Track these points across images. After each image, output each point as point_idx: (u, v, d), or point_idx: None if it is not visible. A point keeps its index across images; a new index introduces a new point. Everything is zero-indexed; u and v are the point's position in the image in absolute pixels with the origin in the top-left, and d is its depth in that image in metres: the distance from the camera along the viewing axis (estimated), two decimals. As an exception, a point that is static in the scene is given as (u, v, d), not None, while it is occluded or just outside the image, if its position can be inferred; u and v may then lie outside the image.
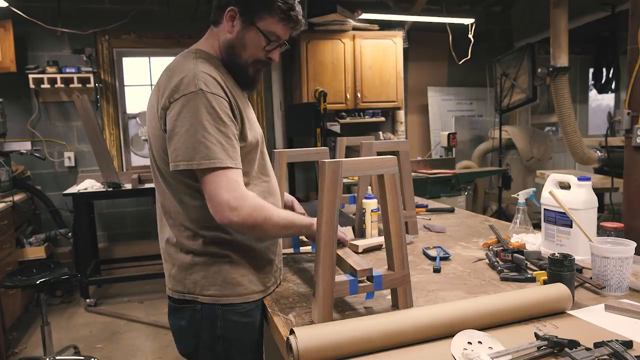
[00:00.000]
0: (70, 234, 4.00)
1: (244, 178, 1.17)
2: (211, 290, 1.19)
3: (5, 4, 3.51)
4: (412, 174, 2.41)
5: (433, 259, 1.55)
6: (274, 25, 1.20)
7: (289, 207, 1.58)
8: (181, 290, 1.22)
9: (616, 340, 0.92)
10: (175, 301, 1.25)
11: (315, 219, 1.10)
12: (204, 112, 1.08)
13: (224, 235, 1.20)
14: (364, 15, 4.37)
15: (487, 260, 1.52)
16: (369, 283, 1.11)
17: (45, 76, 4.04)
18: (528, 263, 1.43)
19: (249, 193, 1.13)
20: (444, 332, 1.00)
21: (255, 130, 1.24)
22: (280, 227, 1.18)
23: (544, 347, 0.93)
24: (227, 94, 1.14)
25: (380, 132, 5.00)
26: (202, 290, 1.20)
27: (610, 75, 5.58)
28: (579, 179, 1.49)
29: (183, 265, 1.21)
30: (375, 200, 1.76)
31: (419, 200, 2.58)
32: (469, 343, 0.96)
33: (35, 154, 3.83)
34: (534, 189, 1.76)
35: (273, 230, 1.17)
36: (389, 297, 1.20)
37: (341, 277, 1.09)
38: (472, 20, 4.58)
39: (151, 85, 4.73)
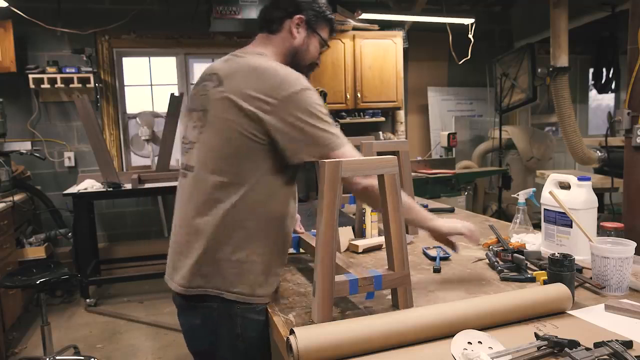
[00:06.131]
0: (70, 234, 4.00)
1: (290, 184, 1.25)
2: (239, 287, 1.19)
3: (5, 4, 3.51)
4: (412, 174, 2.41)
5: (433, 259, 1.56)
6: (326, 32, 1.39)
7: None
8: (202, 285, 1.20)
9: (616, 340, 0.92)
10: (189, 299, 1.23)
11: (434, 218, 1.30)
12: (315, 105, 1.17)
13: (263, 232, 1.21)
14: (364, 15, 4.37)
15: (487, 260, 1.52)
16: (369, 283, 1.11)
17: (45, 76, 4.04)
18: (528, 263, 1.43)
19: None
20: (444, 332, 1.00)
21: None
22: (406, 207, 1.22)
23: (544, 347, 0.93)
24: None
25: (380, 132, 5.01)
26: (230, 287, 1.18)
27: (610, 75, 5.58)
28: (579, 179, 1.49)
29: (214, 260, 1.19)
30: (375, 200, 1.76)
31: (419, 200, 2.58)
32: (469, 343, 0.96)
33: (35, 154, 3.83)
34: (534, 189, 1.76)
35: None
36: (389, 297, 1.20)
37: (341, 277, 1.09)
38: (472, 20, 4.58)
39: (151, 85, 4.73)
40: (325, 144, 1.17)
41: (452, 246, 1.38)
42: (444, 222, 1.34)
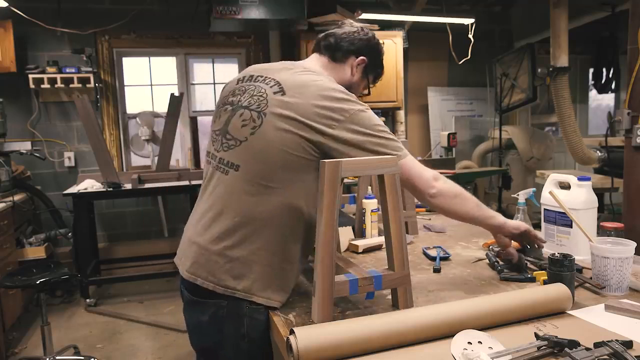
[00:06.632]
0: (70, 234, 4.00)
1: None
2: (269, 292, 1.19)
3: (5, 4, 3.50)
4: (412, 174, 2.40)
5: (433, 259, 1.55)
6: (371, 81, 1.49)
7: None
8: (231, 286, 1.19)
9: (616, 340, 0.92)
10: (198, 294, 1.23)
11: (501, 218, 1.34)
12: (375, 122, 1.22)
13: (307, 242, 1.24)
14: (364, 15, 4.37)
15: (487, 260, 1.52)
16: (369, 283, 1.11)
17: (45, 76, 4.04)
18: (528, 263, 1.43)
19: None
20: (444, 332, 1.00)
21: None
22: (474, 204, 1.31)
23: (544, 347, 0.93)
24: None
25: (380, 132, 4.99)
26: (258, 291, 1.19)
27: (610, 75, 5.58)
28: (579, 179, 1.50)
29: (255, 263, 1.19)
30: (375, 200, 1.76)
31: (419, 200, 2.58)
32: (469, 343, 0.96)
33: (35, 154, 3.83)
34: (534, 189, 1.76)
35: (468, 204, 1.30)
36: (389, 297, 1.20)
37: (341, 277, 1.09)
38: (472, 20, 4.58)
39: (151, 85, 4.73)
40: (390, 152, 1.20)
41: (512, 255, 1.40)
42: (510, 221, 1.40)
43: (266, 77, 1.28)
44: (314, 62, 1.40)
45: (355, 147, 1.18)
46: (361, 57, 1.40)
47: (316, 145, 1.18)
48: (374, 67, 1.46)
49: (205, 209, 1.28)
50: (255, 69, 1.37)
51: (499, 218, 1.35)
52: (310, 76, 1.27)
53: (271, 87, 1.24)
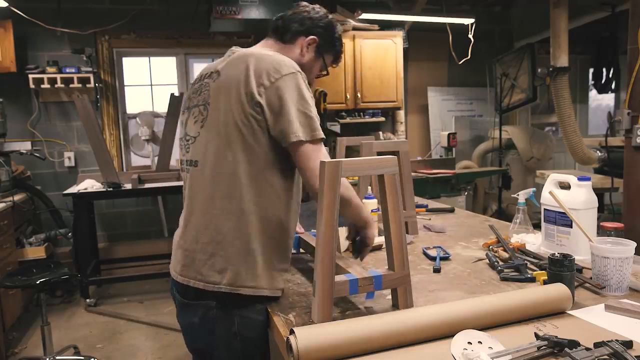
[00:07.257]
0: (70, 234, 4.00)
1: (291, 174, 1.26)
2: (254, 281, 1.19)
3: (5, 4, 3.51)
4: (412, 174, 2.41)
5: (433, 259, 1.55)
6: (330, 61, 1.46)
7: None
8: (217, 281, 1.19)
9: (616, 340, 0.92)
10: (189, 297, 1.23)
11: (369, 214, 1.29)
12: (305, 90, 1.19)
13: (283, 222, 1.23)
14: (364, 15, 4.37)
15: (487, 260, 1.52)
16: (369, 283, 1.11)
17: (45, 76, 4.04)
18: (528, 263, 1.43)
19: None
20: (444, 332, 1.00)
21: None
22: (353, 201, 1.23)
23: (544, 347, 0.93)
24: None
25: (380, 132, 5.01)
26: (245, 282, 1.18)
27: (610, 75, 5.58)
28: (579, 179, 1.49)
29: (232, 253, 1.19)
30: (375, 200, 1.76)
31: (419, 200, 2.58)
32: (469, 343, 0.96)
33: (35, 154, 3.83)
34: (534, 189, 1.76)
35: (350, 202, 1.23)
36: (389, 297, 1.20)
37: (341, 277, 1.09)
38: (472, 20, 4.58)
39: (151, 85, 4.73)
40: (313, 129, 1.17)
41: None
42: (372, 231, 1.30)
43: (212, 72, 1.29)
44: (260, 45, 1.40)
45: (278, 112, 1.16)
46: (312, 37, 1.37)
47: (254, 113, 1.16)
48: (328, 46, 1.41)
49: (183, 212, 1.32)
50: (205, 67, 1.37)
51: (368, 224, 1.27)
52: (243, 50, 1.28)
53: (212, 78, 1.26)
